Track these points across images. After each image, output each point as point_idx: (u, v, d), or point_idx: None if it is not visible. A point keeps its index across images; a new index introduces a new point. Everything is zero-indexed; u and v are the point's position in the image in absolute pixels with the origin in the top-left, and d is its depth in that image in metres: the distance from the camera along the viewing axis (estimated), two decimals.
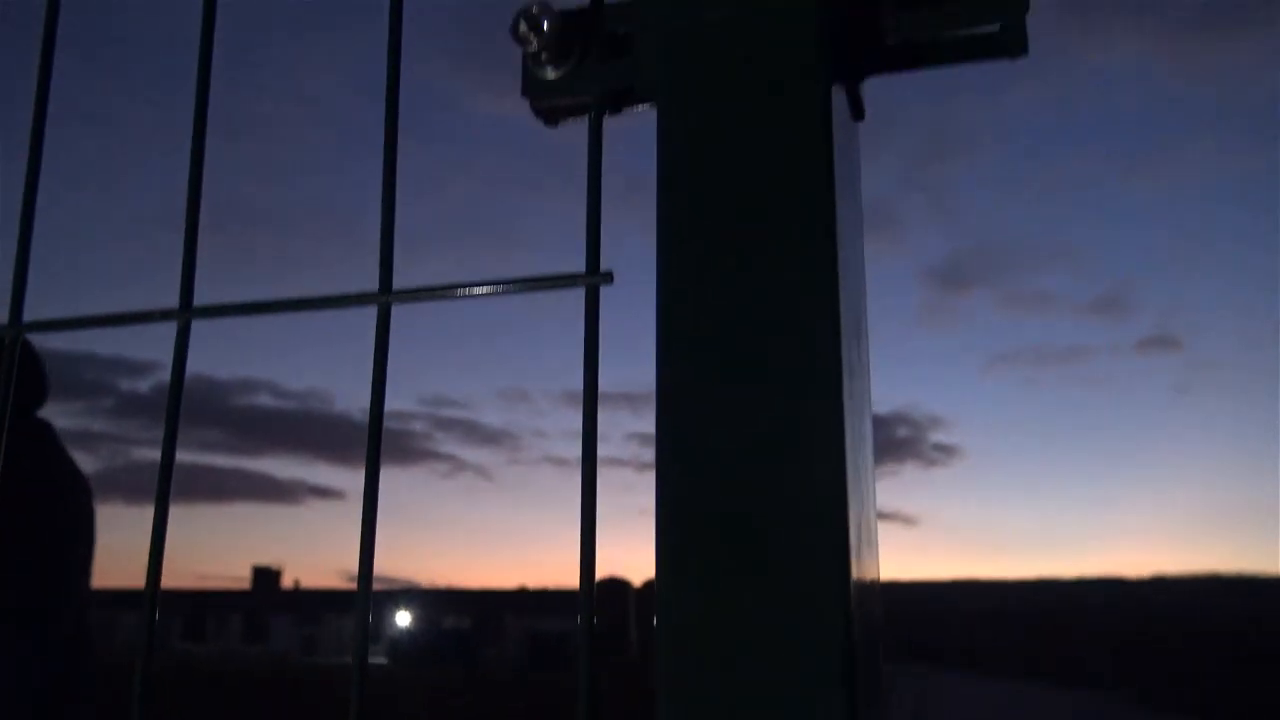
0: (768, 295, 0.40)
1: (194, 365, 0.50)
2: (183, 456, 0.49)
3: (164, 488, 0.49)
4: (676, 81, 0.41)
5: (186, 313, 0.49)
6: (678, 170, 0.42)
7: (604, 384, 0.43)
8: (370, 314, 0.46)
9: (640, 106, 0.45)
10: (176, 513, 0.50)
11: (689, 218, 0.41)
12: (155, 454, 0.49)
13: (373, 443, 0.46)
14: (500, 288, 0.44)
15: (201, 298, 0.50)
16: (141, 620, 0.47)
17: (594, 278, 0.43)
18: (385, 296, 0.46)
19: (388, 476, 0.47)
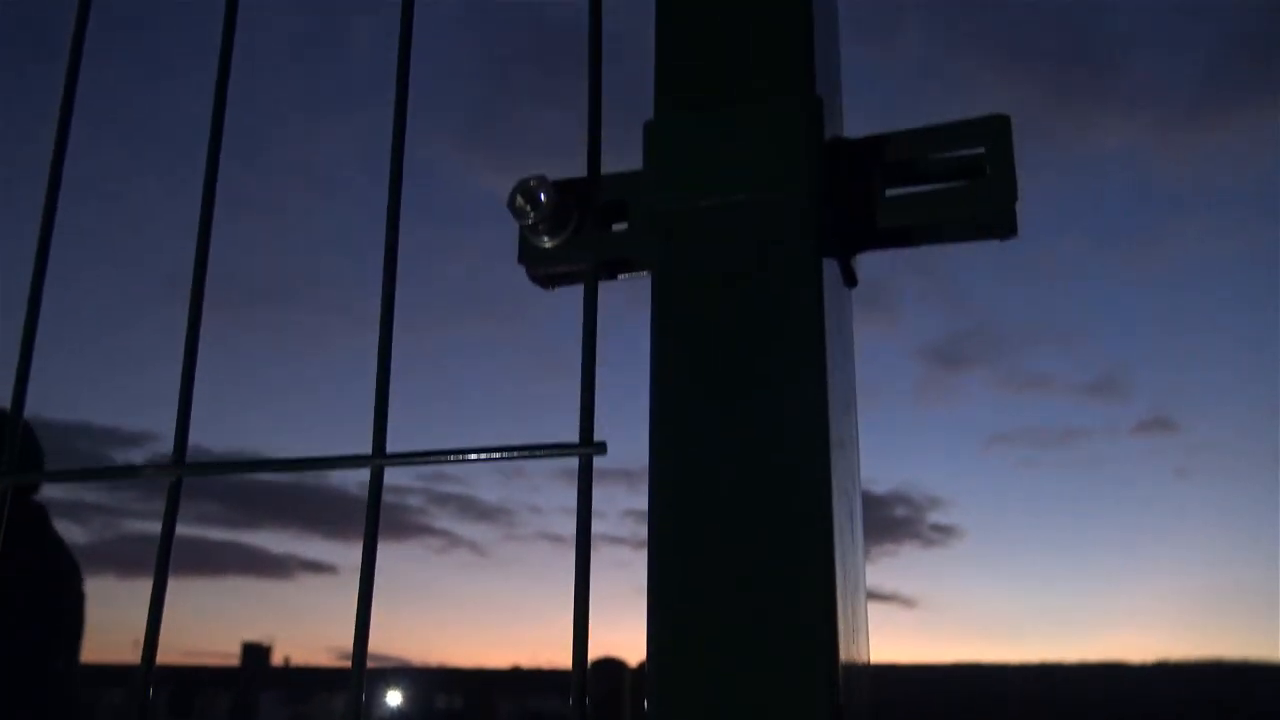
0: (757, 456, 0.40)
1: (193, 436, 0.51)
2: (178, 530, 0.50)
3: (152, 634, 0.49)
4: (671, 257, 0.42)
5: (178, 469, 0.49)
6: (672, 335, 0.42)
7: (601, 458, 0.43)
8: (370, 402, 0.47)
9: (636, 274, 0.46)
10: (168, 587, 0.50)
11: (683, 381, 0.42)
12: (147, 526, 0.50)
13: (362, 606, 0.45)
14: (494, 455, 0.44)
15: (203, 369, 0.51)
16: (130, 698, 0.46)
17: (588, 448, 0.43)
18: (379, 460, 0.46)
19: (381, 551, 0.47)
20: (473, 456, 0.45)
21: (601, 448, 0.43)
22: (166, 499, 0.49)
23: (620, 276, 0.46)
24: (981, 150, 0.41)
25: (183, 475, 0.49)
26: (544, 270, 0.46)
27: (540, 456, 0.44)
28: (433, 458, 0.45)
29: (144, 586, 0.49)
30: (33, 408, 0.57)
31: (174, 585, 0.50)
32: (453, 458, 0.45)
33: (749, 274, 0.41)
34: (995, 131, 0.40)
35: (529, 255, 0.45)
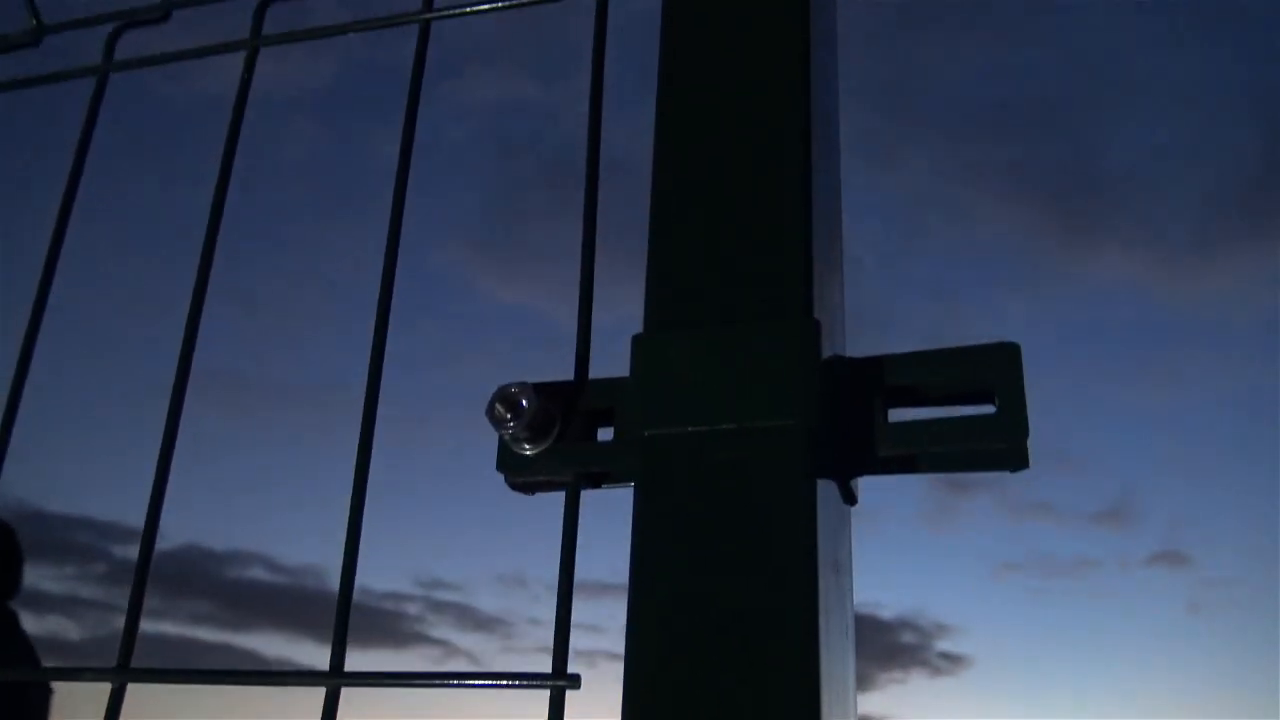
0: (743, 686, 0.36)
1: (191, 534, 0.49)
2: (169, 629, 0.47)
3: None
4: (655, 479, 0.39)
5: (124, 674, 0.45)
6: (651, 562, 0.39)
7: (601, 574, 0.40)
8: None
9: (620, 485, 0.43)
10: (156, 689, 0.47)
11: (665, 611, 0.39)
12: (146, 624, 0.49)
13: None
14: (461, 682, 0.41)
15: (201, 459, 0.49)
16: None
17: (560, 680, 0.40)
18: (335, 679, 0.42)
19: (378, 660, 0.43)
20: (438, 682, 0.41)
21: (575, 681, 0.40)
22: (108, 705, 0.46)
23: (604, 486, 0.44)
24: (989, 376, 0.38)
25: (127, 680, 0.45)
26: (523, 479, 0.43)
27: (510, 686, 0.40)
28: (391, 680, 0.42)
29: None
30: (34, 500, 0.56)
31: (165, 687, 0.47)
32: (417, 682, 0.41)
33: (738, 498, 0.38)
34: (1004, 360, 0.38)
35: (508, 463, 0.43)
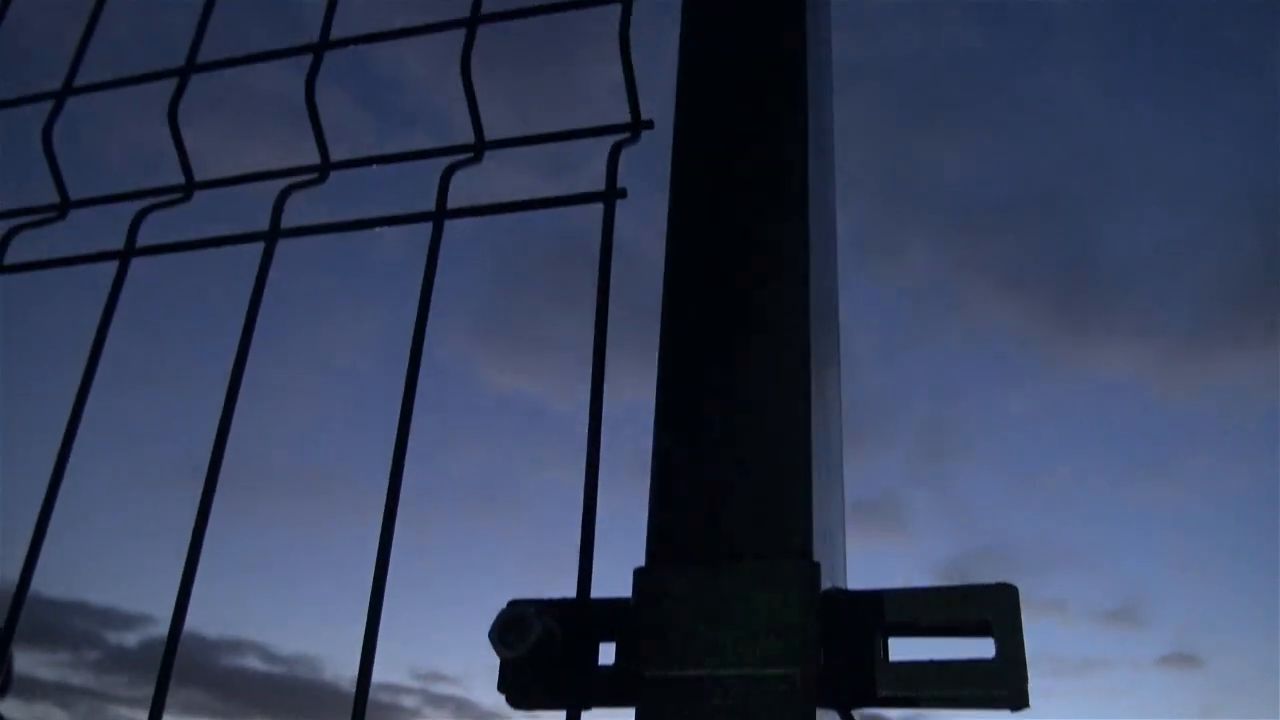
0: None
1: (188, 621, 0.50)
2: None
3: None
4: (654, 711, 0.39)
5: None
6: None
7: None
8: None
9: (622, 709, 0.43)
10: None
11: None
12: (134, 714, 0.48)
13: None
14: None
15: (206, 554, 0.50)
16: None
17: None
18: None
19: None
20: None
21: None
22: None
23: (607, 706, 0.44)
24: (988, 616, 0.39)
25: None
26: (524, 701, 0.43)
27: None
28: None
29: None
30: (32, 584, 0.58)
31: None
32: None
33: None
34: (1003, 601, 0.38)
35: (510, 686, 0.43)
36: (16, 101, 0.68)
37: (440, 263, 0.58)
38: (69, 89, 0.67)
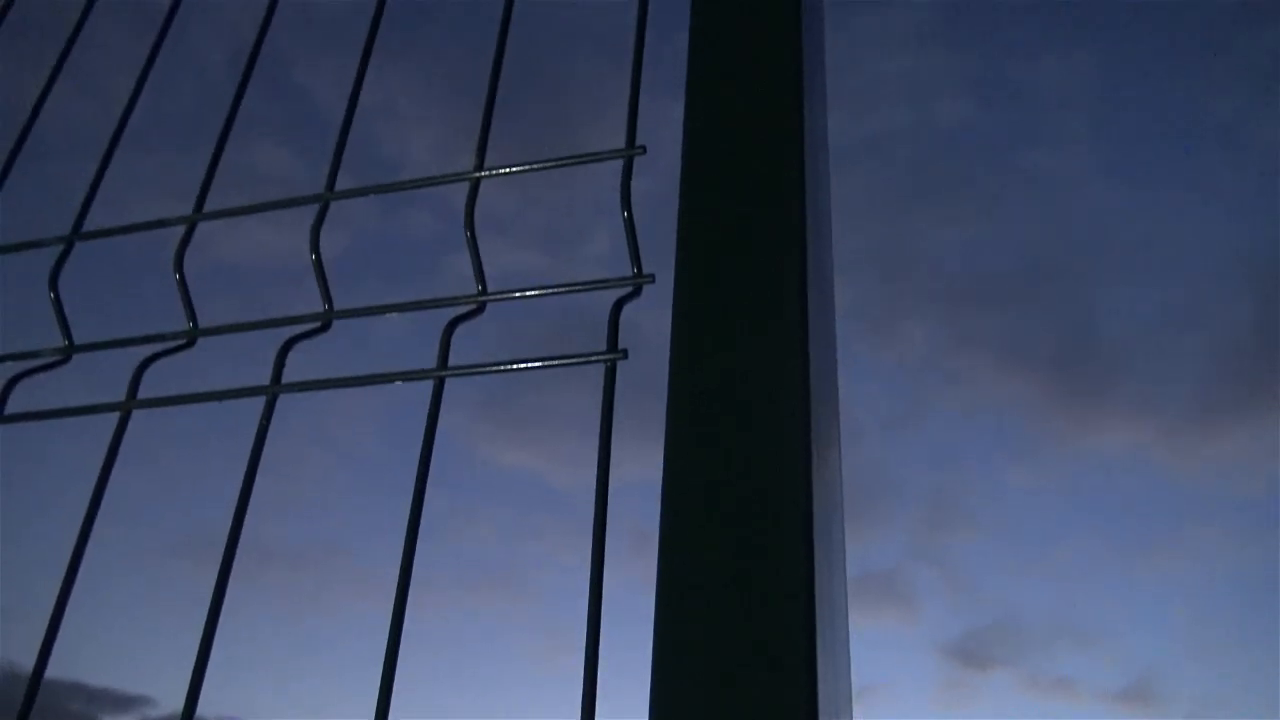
0: None
1: (178, 700, 0.49)
2: None
3: None
4: None
5: None
6: None
7: None
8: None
9: None
10: None
11: None
12: None
13: None
14: None
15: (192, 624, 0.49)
16: None
17: None
18: None
19: None
20: None
21: None
22: None
23: None
24: None
25: None
26: None
27: None
28: None
29: None
30: (26, 664, 0.56)
31: None
32: None
33: None
34: None
35: None
36: (23, 245, 0.68)
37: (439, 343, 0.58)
38: (77, 233, 0.68)
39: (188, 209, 0.66)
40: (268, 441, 0.57)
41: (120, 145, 0.72)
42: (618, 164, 0.61)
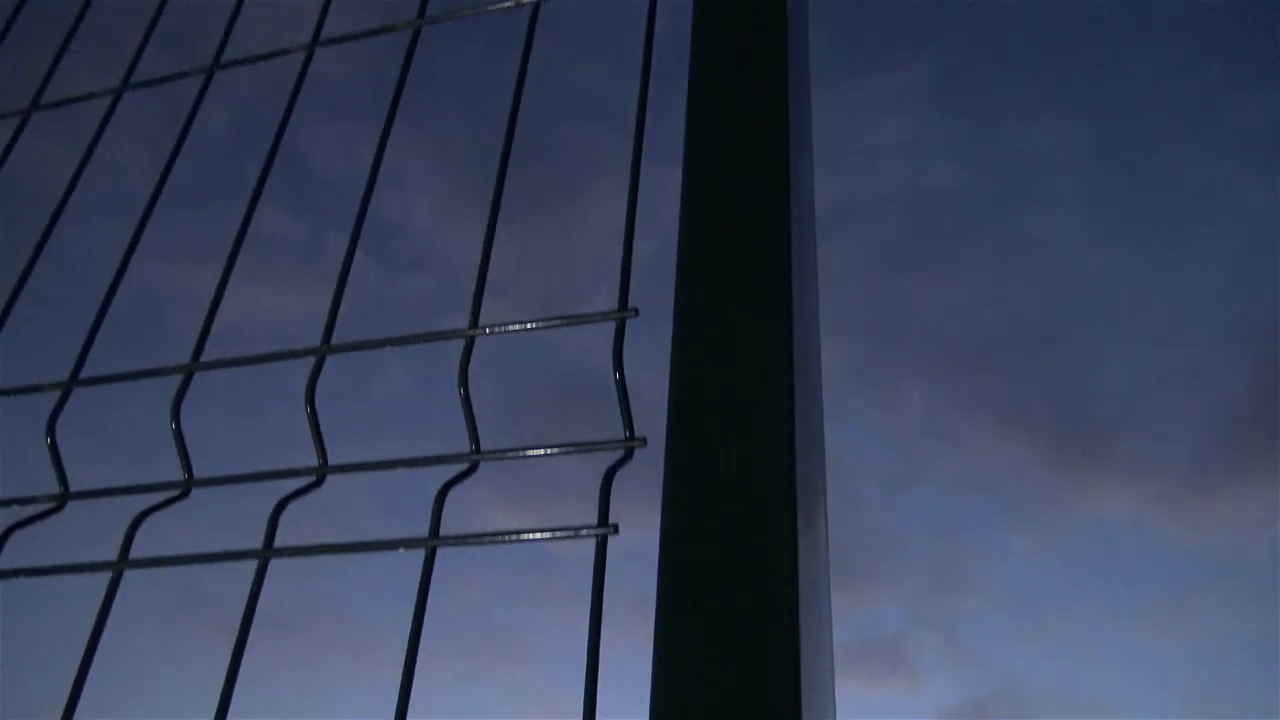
0: None
1: None
2: None
3: None
4: None
5: None
6: None
7: None
8: None
9: None
10: None
11: None
12: None
13: None
14: None
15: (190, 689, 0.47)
16: None
17: None
18: None
19: None
20: None
21: None
22: None
23: None
24: None
25: None
26: None
27: None
28: None
29: None
30: None
31: None
32: None
33: None
34: None
35: None
36: (22, 390, 0.69)
37: (439, 409, 0.58)
38: (75, 379, 0.68)
39: (187, 273, 0.67)
40: (262, 495, 0.57)
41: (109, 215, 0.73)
42: (619, 214, 0.61)
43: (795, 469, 0.48)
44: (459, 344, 0.64)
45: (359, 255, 0.70)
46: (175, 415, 0.65)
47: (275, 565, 0.57)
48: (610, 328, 0.59)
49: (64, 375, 0.69)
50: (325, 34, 0.82)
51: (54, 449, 0.67)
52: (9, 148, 0.85)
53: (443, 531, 0.59)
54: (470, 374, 0.63)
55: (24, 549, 0.68)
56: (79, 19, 0.95)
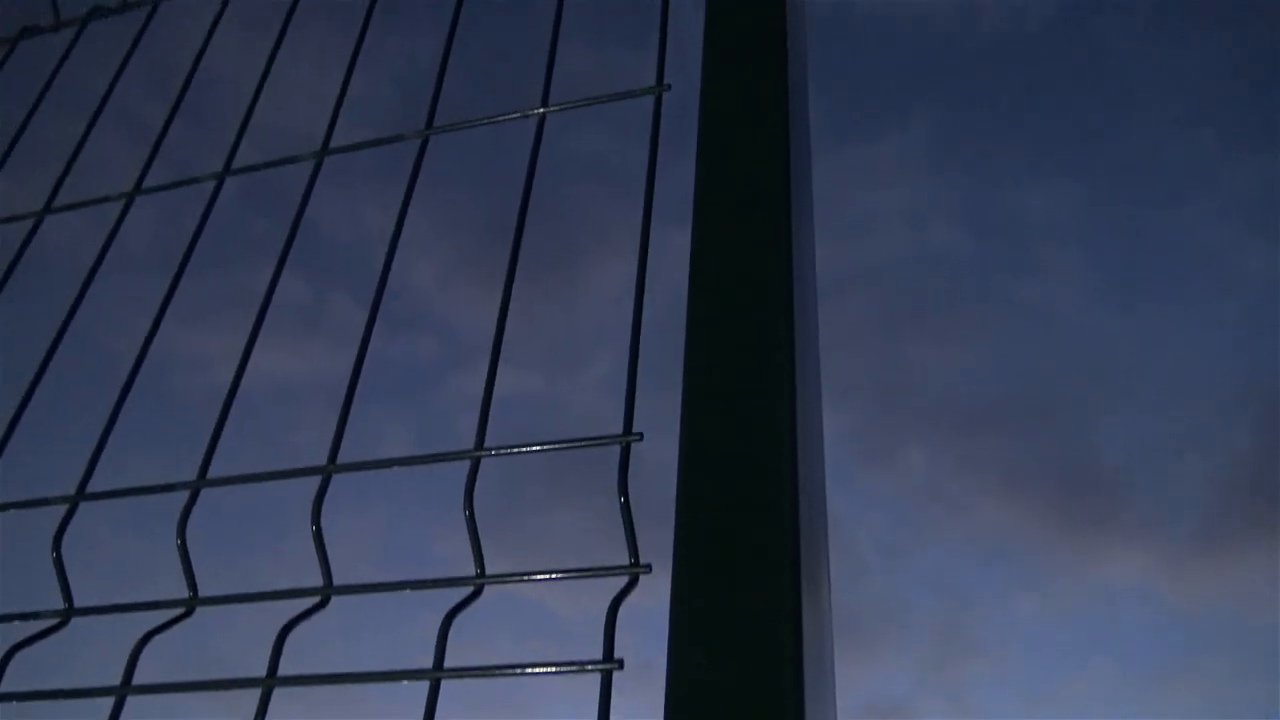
0: None
1: None
2: None
3: None
4: None
5: None
6: None
7: None
8: None
9: None
10: None
11: None
12: None
13: None
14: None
15: None
16: None
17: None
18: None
19: None
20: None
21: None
22: None
23: None
24: None
25: None
26: None
27: None
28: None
29: None
30: None
31: None
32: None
33: None
34: None
35: None
36: (27, 504, 0.69)
37: (442, 470, 0.58)
38: (81, 494, 0.68)
39: (187, 333, 0.67)
40: (261, 561, 0.56)
41: (118, 265, 0.74)
42: (622, 283, 0.62)
43: (800, 547, 0.48)
44: (464, 396, 0.65)
45: (359, 314, 0.71)
46: (181, 532, 0.65)
47: (274, 625, 0.57)
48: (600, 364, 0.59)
49: (66, 437, 0.69)
50: (337, 110, 0.83)
51: (59, 563, 0.67)
52: (21, 250, 0.86)
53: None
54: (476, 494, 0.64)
55: (26, 659, 0.68)
56: (95, 119, 0.96)
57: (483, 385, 0.65)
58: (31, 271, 0.91)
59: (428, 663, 0.57)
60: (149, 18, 1.03)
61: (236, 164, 0.86)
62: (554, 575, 0.62)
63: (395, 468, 0.66)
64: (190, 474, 0.67)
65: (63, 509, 0.69)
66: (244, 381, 0.72)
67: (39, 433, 0.81)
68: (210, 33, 0.98)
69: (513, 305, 0.67)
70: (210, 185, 0.83)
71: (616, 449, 0.59)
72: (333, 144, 0.84)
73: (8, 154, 0.99)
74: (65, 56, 1.05)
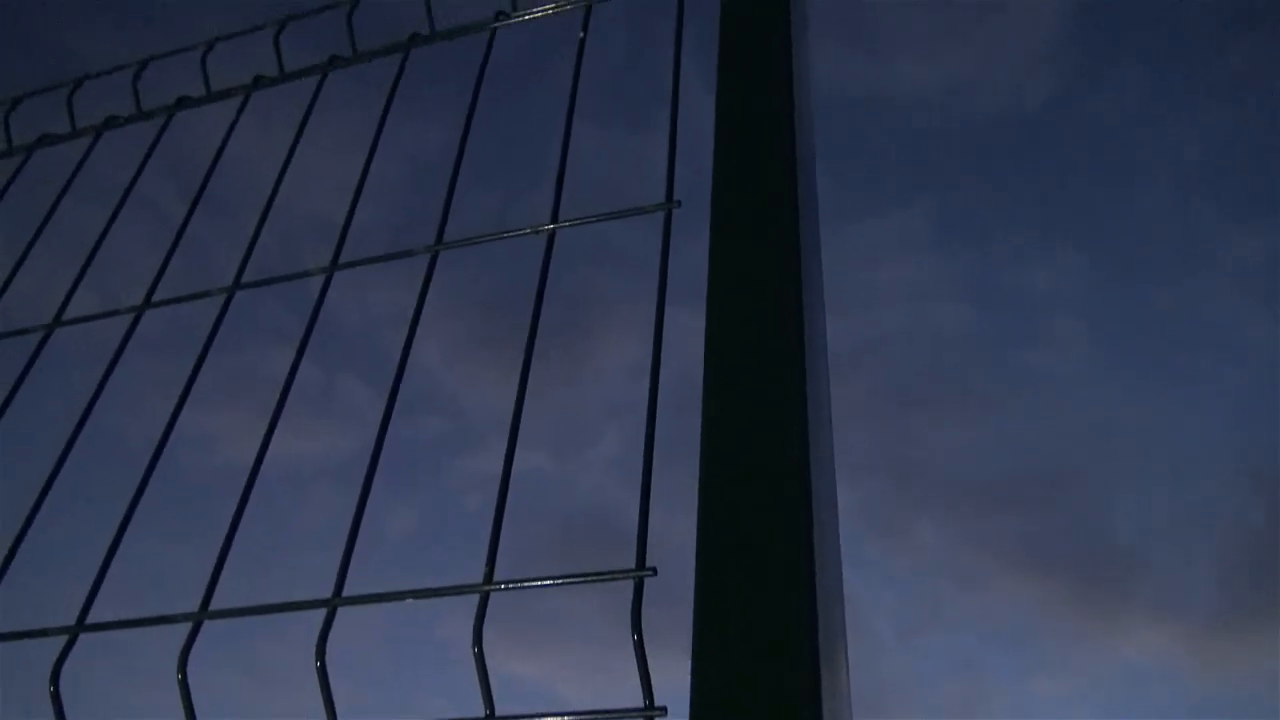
0: None
1: None
2: None
3: None
4: None
5: None
6: None
7: None
8: None
9: None
10: None
11: None
12: None
13: None
14: None
15: None
16: None
17: None
18: None
19: None
20: None
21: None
22: None
23: None
24: None
25: None
26: None
27: None
28: None
29: None
30: None
31: None
32: None
33: None
34: None
35: None
36: (26, 634, 0.68)
37: (449, 547, 0.56)
38: (81, 625, 0.67)
39: (189, 411, 0.65)
40: (266, 642, 0.54)
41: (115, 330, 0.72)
42: (630, 359, 0.60)
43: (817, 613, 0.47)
44: (470, 476, 0.63)
45: (370, 394, 0.70)
46: (182, 666, 0.63)
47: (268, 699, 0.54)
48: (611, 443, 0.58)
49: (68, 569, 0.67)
50: (347, 225, 0.83)
51: (56, 698, 0.65)
52: (29, 365, 0.86)
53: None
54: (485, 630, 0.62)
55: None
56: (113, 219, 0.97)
57: (496, 495, 0.64)
58: (48, 364, 0.91)
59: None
60: (163, 127, 1.05)
61: (252, 260, 0.86)
62: (559, 581, 0.60)
63: (403, 595, 0.64)
64: (197, 558, 0.65)
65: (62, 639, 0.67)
66: (249, 464, 0.71)
67: (47, 516, 0.79)
68: (225, 139, 0.99)
69: (516, 384, 0.66)
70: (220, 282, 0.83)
71: (634, 519, 0.58)
72: (345, 237, 0.84)
73: (24, 257, 0.99)
74: (80, 166, 1.06)
